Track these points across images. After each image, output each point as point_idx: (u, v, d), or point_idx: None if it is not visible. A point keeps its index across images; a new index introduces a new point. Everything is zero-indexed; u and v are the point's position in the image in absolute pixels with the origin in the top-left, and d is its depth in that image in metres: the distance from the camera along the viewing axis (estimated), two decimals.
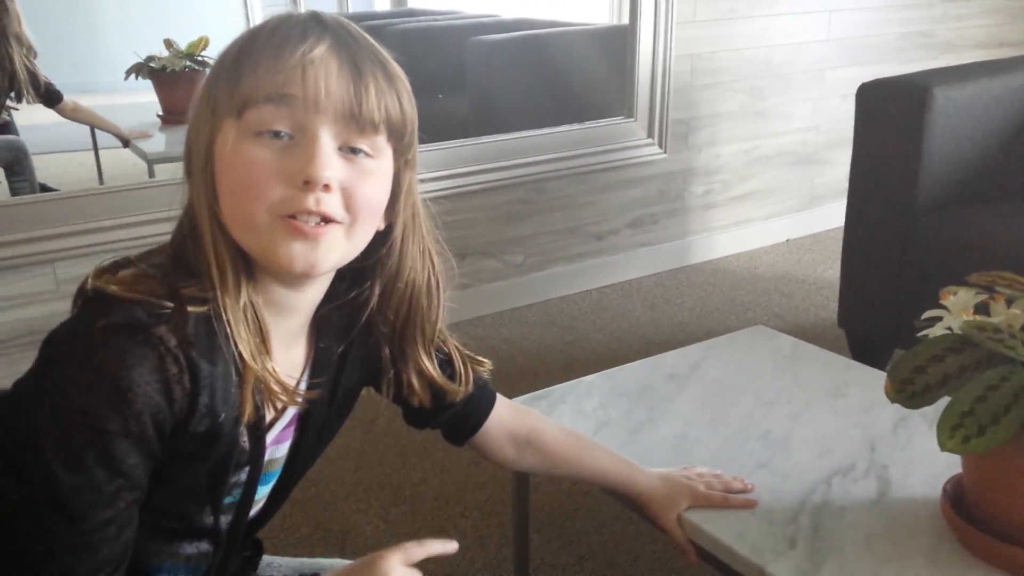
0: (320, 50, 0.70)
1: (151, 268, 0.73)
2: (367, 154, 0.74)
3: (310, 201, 0.70)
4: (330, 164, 0.70)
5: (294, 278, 0.76)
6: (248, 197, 0.70)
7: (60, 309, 0.78)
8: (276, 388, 0.75)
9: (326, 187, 0.70)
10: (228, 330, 0.71)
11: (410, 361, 0.89)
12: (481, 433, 1.03)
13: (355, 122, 0.71)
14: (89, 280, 0.72)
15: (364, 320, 0.86)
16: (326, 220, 0.72)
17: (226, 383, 0.72)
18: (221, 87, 0.72)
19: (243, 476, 0.80)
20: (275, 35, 0.71)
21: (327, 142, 0.71)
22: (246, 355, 0.72)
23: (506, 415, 1.05)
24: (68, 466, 0.67)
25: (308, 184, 0.70)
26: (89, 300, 0.70)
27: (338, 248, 0.74)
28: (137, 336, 0.67)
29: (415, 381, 0.90)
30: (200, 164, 0.73)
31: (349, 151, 0.73)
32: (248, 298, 0.73)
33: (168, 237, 0.77)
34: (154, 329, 0.67)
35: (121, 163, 2.34)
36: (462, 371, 0.95)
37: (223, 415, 0.73)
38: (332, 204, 0.71)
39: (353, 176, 0.72)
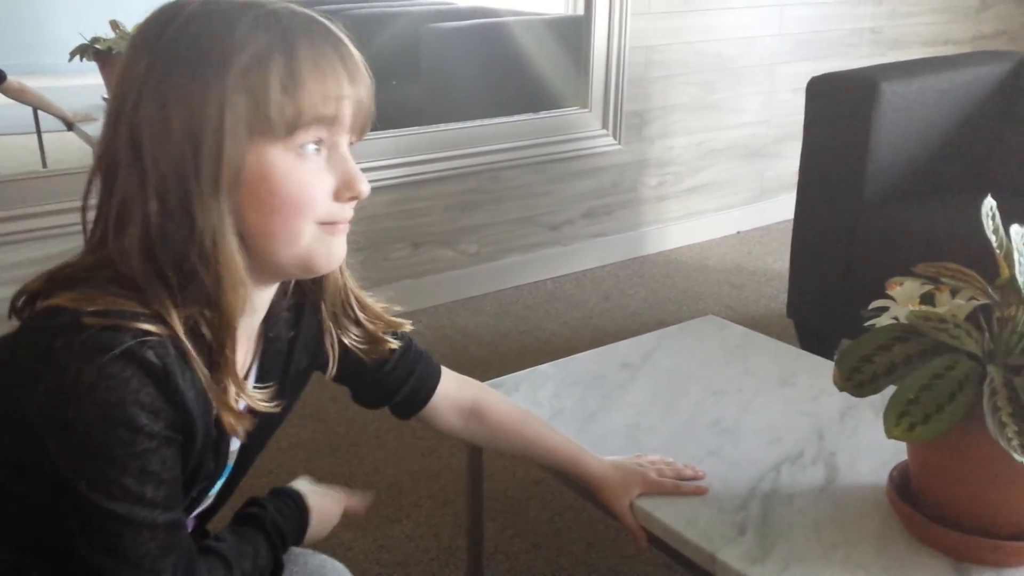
0: (358, 76, 0.74)
1: (111, 284, 0.70)
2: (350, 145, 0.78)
3: (349, 211, 0.76)
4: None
5: (311, 275, 0.79)
6: (298, 213, 0.72)
7: (2, 294, 0.76)
8: (233, 405, 0.75)
9: None
10: (198, 351, 0.71)
11: (359, 312, 0.91)
12: (429, 407, 1.05)
13: (362, 131, 0.77)
14: (35, 299, 0.71)
15: (310, 307, 0.87)
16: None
17: (199, 402, 0.72)
18: (270, 104, 0.69)
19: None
20: (318, 54, 0.71)
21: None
22: (220, 372, 0.73)
23: (452, 387, 1.07)
24: (110, 495, 0.68)
25: (354, 199, 0.75)
26: (60, 328, 0.67)
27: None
28: (130, 363, 0.67)
29: (376, 315, 0.92)
30: (229, 183, 0.69)
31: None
32: (237, 322, 0.73)
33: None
34: (142, 354, 0.67)
35: (65, 146, 2.28)
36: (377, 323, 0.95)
37: (199, 433, 0.73)
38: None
39: None
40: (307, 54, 0.70)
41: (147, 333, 0.68)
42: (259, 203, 0.71)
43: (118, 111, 0.71)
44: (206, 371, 0.72)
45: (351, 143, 0.76)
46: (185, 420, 0.71)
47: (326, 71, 0.71)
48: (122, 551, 0.70)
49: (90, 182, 0.74)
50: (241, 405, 0.79)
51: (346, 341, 0.91)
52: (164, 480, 0.71)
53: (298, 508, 0.93)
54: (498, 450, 1.14)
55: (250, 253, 0.72)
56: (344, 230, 0.77)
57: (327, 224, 0.74)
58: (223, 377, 0.73)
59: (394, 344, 0.95)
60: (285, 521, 0.90)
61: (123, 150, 0.70)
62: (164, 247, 0.70)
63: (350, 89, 0.73)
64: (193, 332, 0.71)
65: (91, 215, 0.74)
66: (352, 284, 0.90)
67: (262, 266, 0.75)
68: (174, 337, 0.69)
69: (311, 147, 0.72)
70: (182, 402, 0.70)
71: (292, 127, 0.70)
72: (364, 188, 0.75)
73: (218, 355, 0.73)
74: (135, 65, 0.70)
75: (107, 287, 0.70)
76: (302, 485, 0.98)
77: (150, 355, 0.67)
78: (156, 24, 0.71)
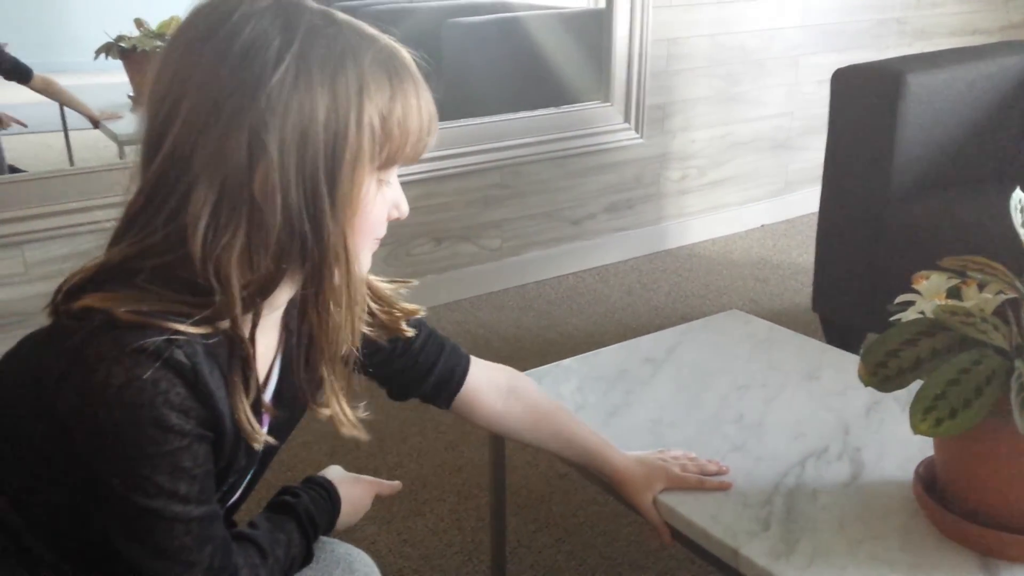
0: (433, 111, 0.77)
1: (148, 284, 0.71)
2: None
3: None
4: None
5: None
6: (371, 235, 0.78)
7: (29, 292, 0.77)
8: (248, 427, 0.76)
9: None
10: (233, 353, 0.73)
11: (371, 299, 0.92)
12: (466, 389, 1.04)
13: None
14: (72, 298, 0.71)
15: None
16: None
17: (227, 401, 0.73)
18: (393, 139, 0.74)
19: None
20: (418, 91, 0.75)
21: None
22: (236, 389, 0.74)
23: (484, 370, 1.07)
24: (144, 492, 0.69)
25: (397, 220, 0.80)
26: (93, 330, 0.68)
27: None
28: (159, 363, 0.67)
29: (388, 301, 0.93)
30: (354, 201, 0.73)
31: None
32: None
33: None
34: (171, 354, 0.68)
35: (92, 144, 2.30)
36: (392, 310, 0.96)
37: (228, 430, 0.74)
38: None
39: None
40: (411, 88, 0.74)
41: (176, 332, 0.69)
42: (356, 226, 0.75)
43: (213, 110, 0.68)
44: (231, 372, 0.73)
45: None
46: (214, 417, 0.72)
47: (424, 114, 0.76)
48: (158, 545, 0.71)
49: (155, 179, 0.71)
50: (267, 395, 0.80)
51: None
52: (196, 476, 0.71)
53: (330, 498, 0.95)
54: (527, 439, 1.11)
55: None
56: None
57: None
58: (247, 383, 0.75)
59: (409, 332, 0.95)
60: (318, 511, 0.92)
61: (227, 154, 0.68)
62: (264, 254, 0.71)
63: (434, 125, 0.77)
64: (226, 334, 0.72)
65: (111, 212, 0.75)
66: (376, 284, 0.92)
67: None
68: (205, 337, 0.70)
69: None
70: (211, 401, 0.71)
71: (390, 162, 0.75)
72: (407, 209, 0.80)
73: (246, 360, 0.74)
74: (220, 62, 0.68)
75: (150, 283, 0.70)
76: (333, 473, 1.00)
77: (179, 354, 0.68)
78: (285, 24, 0.69)
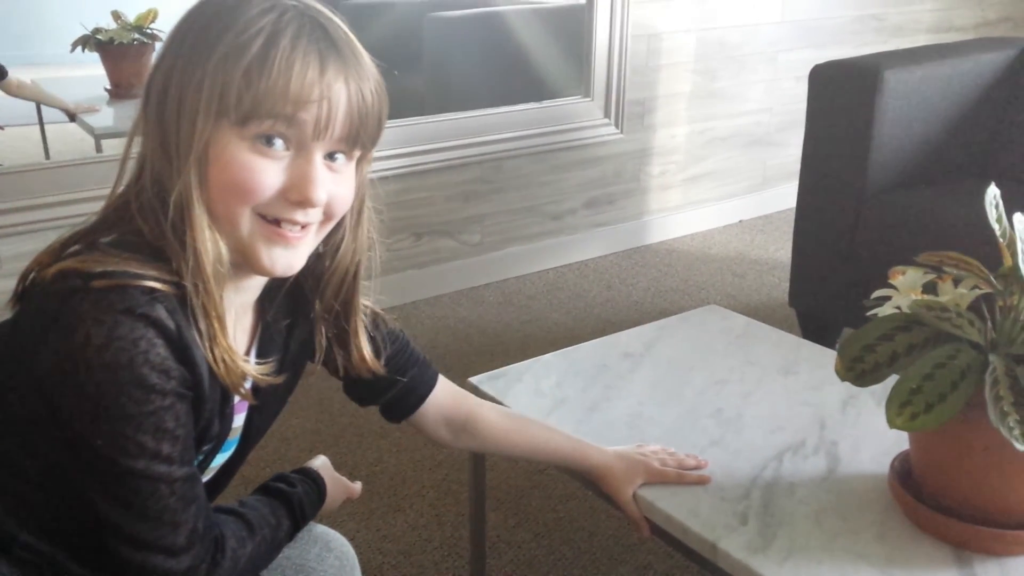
0: (338, 85, 0.72)
1: (114, 248, 0.72)
2: (346, 158, 0.77)
3: (298, 215, 0.75)
4: (324, 185, 0.74)
5: (258, 272, 0.78)
6: (238, 199, 0.73)
7: (3, 287, 0.76)
8: (234, 367, 0.76)
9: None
10: (197, 313, 0.72)
11: (351, 338, 0.91)
12: (419, 414, 1.05)
13: (349, 143, 0.75)
14: (44, 269, 0.71)
15: (305, 298, 0.88)
16: (304, 225, 0.76)
17: (205, 361, 0.73)
18: (231, 88, 0.70)
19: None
20: (294, 54, 0.70)
21: (320, 161, 0.74)
22: (214, 337, 0.73)
23: (446, 398, 1.07)
24: (127, 452, 0.69)
25: (301, 203, 0.74)
26: (69, 290, 0.68)
27: (311, 245, 0.79)
28: (139, 321, 0.67)
29: (361, 354, 0.92)
30: (196, 157, 0.71)
31: (330, 156, 0.76)
32: (220, 288, 0.74)
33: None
34: (152, 311, 0.68)
35: (68, 138, 2.28)
36: (379, 330, 0.97)
37: (207, 390, 0.74)
38: (315, 214, 0.76)
39: (334, 184, 0.76)
40: (284, 50, 0.70)
41: (154, 290, 0.69)
42: (212, 179, 0.72)
43: (148, 80, 0.74)
44: (206, 329, 0.73)
45: (341, 153, 0.76)
46: (194, 376, 0.72)
47: (295, 70, 0.70)
48: (143, 507, 0.71)
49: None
50: (247, 384, 0.80)
51: (357, 353, 0.92)
52: (179, 436, 0.72)
53: (319, 494, 0.95)
54: (491, 454, 1.14)
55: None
56: (296, 243, 0.76)
57: (270, 223, 0.74)
58: (219, 338, 0.74)
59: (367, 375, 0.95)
60: (309, 504, 0.93)
61: (145, 112, 0.74)
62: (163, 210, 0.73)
63: (322, 94, 0.71)
64: (196, 291, 0.72)
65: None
66: (358, 323, 0.90)
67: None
68: (179, 295, 0.71)
69: (278, 143, 0.72)
70: (191, 357, 0.71)
71: (246, 117, 0.71)
72: (312, 194, 0.73)
73: (210, 319, 0.74)
74: (171, 35, 0.74)
75: (116, 248, 0.71)
76: (320, 464, 1.00)
77: (159, 311, 0.69)
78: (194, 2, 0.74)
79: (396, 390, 1.01)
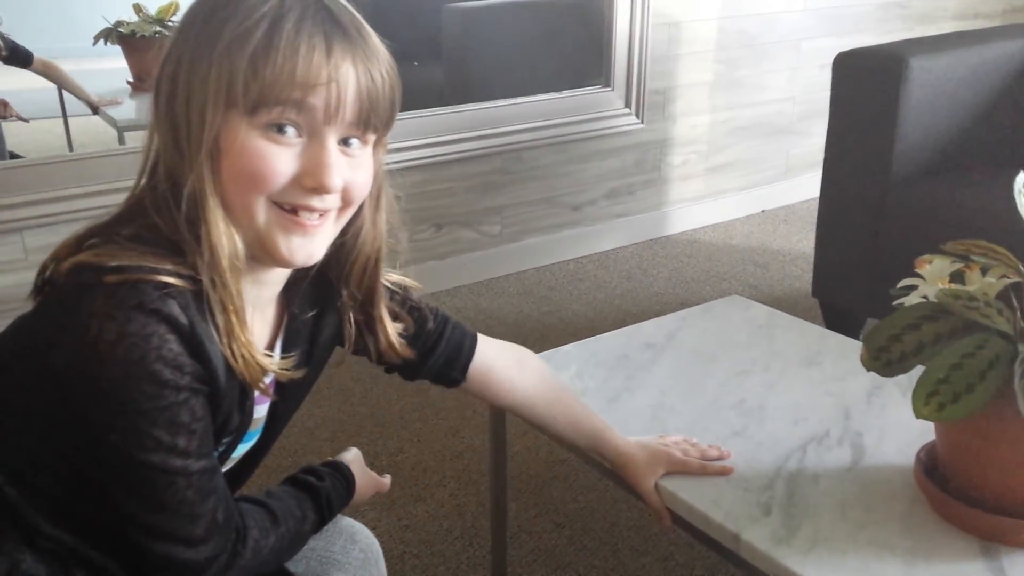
0: (345, 67, 0.71)
1: (131, 243, 0.72)
2: (360, 143, 0.76)
3: (315, 201, 0.74)
4: (340, 171, 0.73)
5: (277, 264, 0.77)
6: (252, 188, 0.72)
7: (29, 278, 0.77)
8: (253, 362, 0.76)
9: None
10: (214, 308, 0.72)
11: (378, 325, 0.91)
12: (478, 361, 1.03)
13: (362, 126, 0.74)
14: (61, 262, 0.71)
15: (330, 287, 0.88)
16: (322, 213, 0.75)
17: (221, 355, 0.73)
18: (238, 77, 0.70)
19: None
20: (298, 38, 0.70)
21: (334, 146, 0.73)
22: (231, 332, 0.73)
23: (493, 343, 1.07)
24: (143, 447, 0.69)
25: (316, 190, 0.73)
26: (83, 285, 0.69)
27: (331, 234, 0.78)
28: (151, 317, 0.67)
29: (388, 340, 0.92)
30: (208, 149, 0.71)
31: (344, 142, 0.75)
32: (237, 282, 0.74)
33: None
34: (164, 307, 0.68)
35: (91, 130, 2.29)
36: (405, 307, 0.96)
37: (223, 384, 0.74)
38: (332, 200, 0.75)
39: (350, 170, 0.75)
40: (288, 34, 0.70)
41: (168, 286, 0.69)
42: (224, 171, 0.72)
43: (157, 74, 0.74)
44: (223, 324, 0.73)
45: (355, 139, 0.75)
46: (209, 371, 0.72)
47: (300, 54, 0.69)
48: (159, 499, 0.72)
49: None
50: (268, 379, 0.80)
51: (385, 339, 0.92)
52: (195, 430, 0.72)
53: (348, 489, 0.95)
54: (540, 413, 1.09)
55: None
56: (314, 231, 0.75)
57: (287, 212, 0.73)
58: (237, 332, 0.74)
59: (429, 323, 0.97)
60: (337, 498, 0.93)
61: (155, 106, 0.75)
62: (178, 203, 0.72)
63: (330, 76, 0.70)
64: (213, 286, 0.72)
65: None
66: (382, 310, 0.90)
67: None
68: (195, 291, 0.71)
69: (290, 130, 0.72)
70: (204, 353, 0.71)
71: (255, 106, 0.70)
72: (327, 180, 0.72)
73: (227, 314, 0.73)
74: (177, 28, 0.74)
75: (133, 242, 0.71)
76: (351, 458, 1.00)
77: (172, 307, 0.68)
78: None
79: (444, 348, 1.01)
